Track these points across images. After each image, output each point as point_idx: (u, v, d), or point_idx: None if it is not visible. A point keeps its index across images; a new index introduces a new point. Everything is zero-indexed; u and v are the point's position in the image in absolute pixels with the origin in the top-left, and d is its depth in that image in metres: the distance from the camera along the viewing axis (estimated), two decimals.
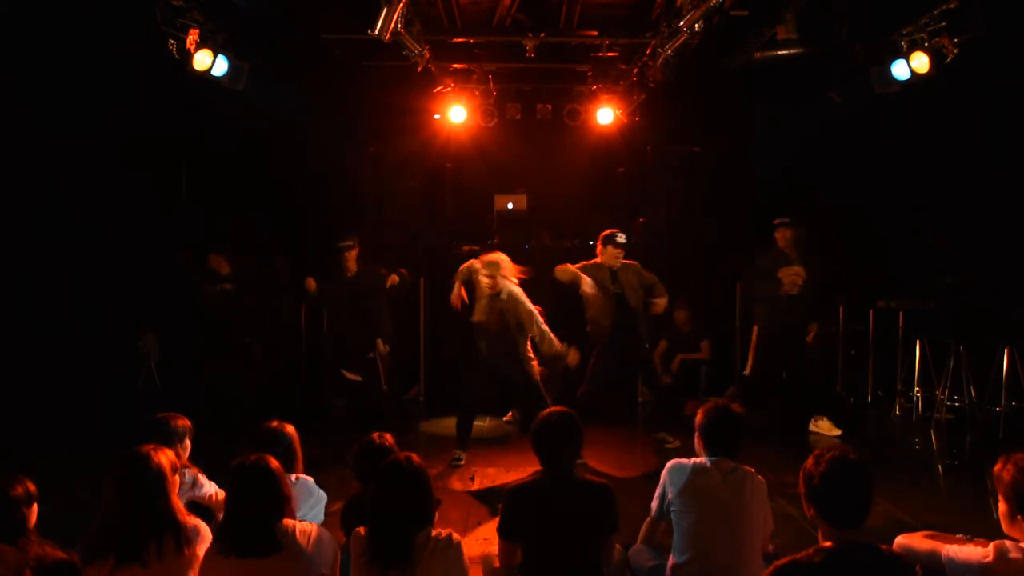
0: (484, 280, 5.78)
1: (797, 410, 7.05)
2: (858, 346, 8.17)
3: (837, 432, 6.73)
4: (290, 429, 3.45)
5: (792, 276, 6.59)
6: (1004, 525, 2.48)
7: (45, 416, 6.75)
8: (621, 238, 6.32)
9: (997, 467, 2.49)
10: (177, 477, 2.79)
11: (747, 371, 7.02)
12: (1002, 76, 6.81)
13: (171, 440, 3.33)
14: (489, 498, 5.07)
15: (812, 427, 6.87)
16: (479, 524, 4.59)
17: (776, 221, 6.78)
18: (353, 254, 7.19)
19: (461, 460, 5.91)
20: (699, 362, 8.40)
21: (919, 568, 2.54)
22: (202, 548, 2.65)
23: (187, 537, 2.63)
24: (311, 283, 7.18)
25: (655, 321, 6.90)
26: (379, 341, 7.36)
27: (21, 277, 7.01)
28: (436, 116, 8.51)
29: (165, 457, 2.72)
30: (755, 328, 7.02)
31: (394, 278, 7.27)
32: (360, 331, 7.29)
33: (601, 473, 5.58)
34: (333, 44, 7.56)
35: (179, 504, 2.72)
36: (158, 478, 2.65)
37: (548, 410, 3.22)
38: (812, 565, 2.21)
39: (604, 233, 6.39)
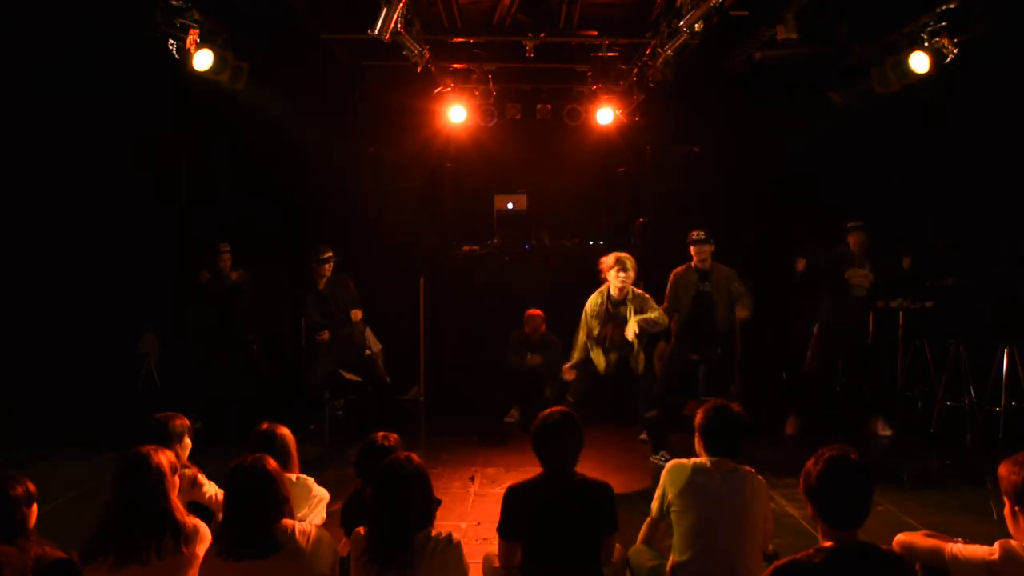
0: (618, 277, 5.70)
1: (854, 412, 7.24)
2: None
3: (890, 432, 6.79)
4: (283, 430, 3.44)
5: (860, 278, 6.82)
6: (1009, 526, 2.47)
7: (45, 416, 6.76)
8: (695, 235, 6.58)
9: (1001, 468, 2.46)
10: (177, 477, 2.79)
11: (806, 368, 7.04)
12: (1002, 76, 6.81)
13: (170, 440, 3.34)
14: (489, 498, 5.07)
15: (872, 428, 6.90)
16: (479, 524, 4.59)
17: (850, 224, 6.91)
18: (329, 267, 7.12)
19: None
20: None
21: (919, 567, 2.54)
22: (202, 548, 2.65)
23: (186, 536, 2.63)
24: (326, 335, 7.14)
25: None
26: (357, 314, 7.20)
27: (21, 277, 7.00)
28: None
29: (165, 457, 2.72)
30: (816, 326, 7.03)
31: (358, 313, 7.15)
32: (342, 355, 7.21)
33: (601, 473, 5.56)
34: (333, 44, 7.57)
35: (179, 504, 2.72)
36: (158, 478, 2.65)
37: (548, 410, 3.22)
38: (812, 565, 2.21)
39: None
